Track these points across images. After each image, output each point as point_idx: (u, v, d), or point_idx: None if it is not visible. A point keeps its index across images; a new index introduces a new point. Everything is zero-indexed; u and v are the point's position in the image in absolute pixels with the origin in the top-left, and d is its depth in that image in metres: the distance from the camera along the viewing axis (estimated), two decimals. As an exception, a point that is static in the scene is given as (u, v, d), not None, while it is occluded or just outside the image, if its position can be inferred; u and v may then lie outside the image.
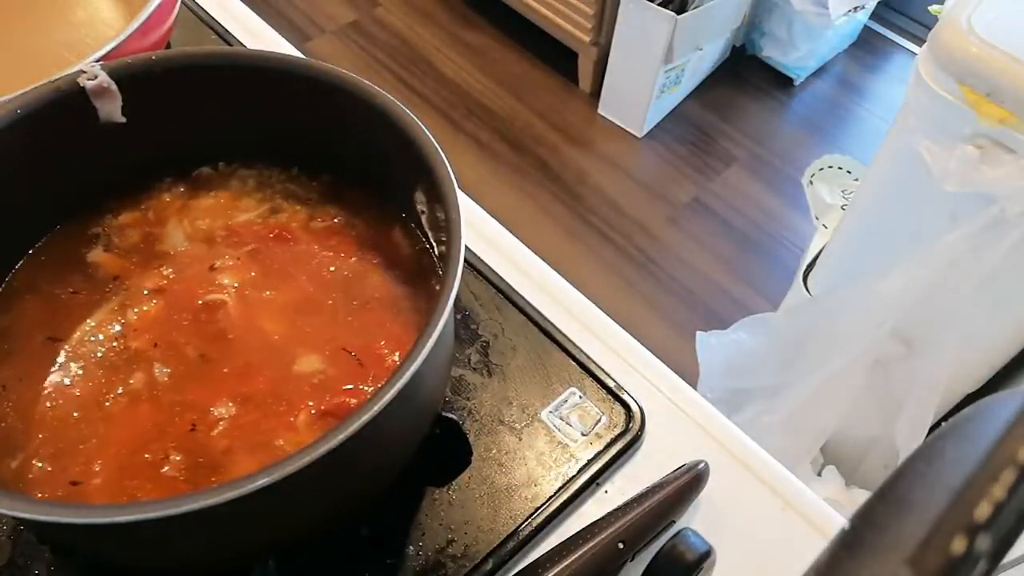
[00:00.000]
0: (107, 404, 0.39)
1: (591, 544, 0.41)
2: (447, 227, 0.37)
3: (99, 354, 0.41)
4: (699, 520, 0.46)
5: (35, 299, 0.42)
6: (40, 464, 0.37)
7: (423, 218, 0.44)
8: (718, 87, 1.94)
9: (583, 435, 0.48)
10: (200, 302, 0.43)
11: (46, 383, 0.40)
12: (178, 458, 0.37)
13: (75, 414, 0.39)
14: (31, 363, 0.40)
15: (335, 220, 0.46)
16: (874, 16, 2.02)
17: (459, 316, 0.52)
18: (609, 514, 0.43)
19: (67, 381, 0.40)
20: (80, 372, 0.40)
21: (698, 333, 1.20)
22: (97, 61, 0.42)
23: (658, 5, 1.58)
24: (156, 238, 0.45)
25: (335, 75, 0.43)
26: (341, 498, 0.38)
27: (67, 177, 0.44)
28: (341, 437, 0.30)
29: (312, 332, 0.42)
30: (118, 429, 0.38)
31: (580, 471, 0.47)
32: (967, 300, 0.88)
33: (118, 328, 0.42)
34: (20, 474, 0.37)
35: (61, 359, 0.40)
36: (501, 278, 0.54)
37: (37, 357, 0.40)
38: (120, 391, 0.39)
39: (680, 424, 0.50)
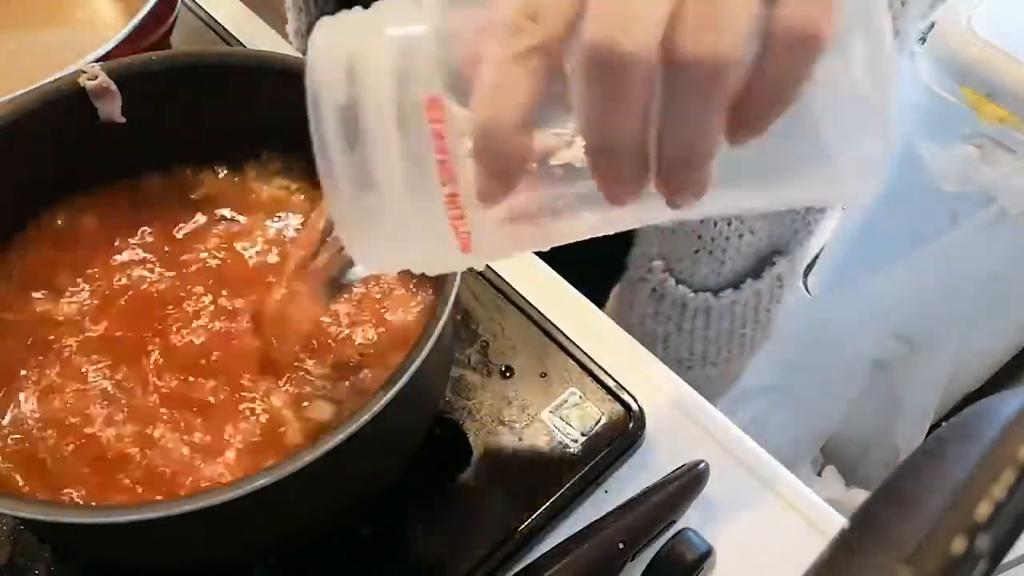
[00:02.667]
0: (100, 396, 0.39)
1: (591, 544, 0.41)
2: (447, 227, 0.37)
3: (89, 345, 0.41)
4: (699, 520, 0.46)
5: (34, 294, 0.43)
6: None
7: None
8: (718, 87, 1.94)
9: (583, 435, 0.48)
10: (197, 302, 0.43)
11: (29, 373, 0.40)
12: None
13: (62, 402, 0.39)
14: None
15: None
16: (874, 16, 2.03)
17: (459, 316, 0.52)
18: (609, 514, 0.43)
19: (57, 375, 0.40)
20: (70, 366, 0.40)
21: (698, 333, 1.19)
22: (97, 61, 0.42)
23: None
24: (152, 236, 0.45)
25: (335, 75, 0.43)
26: (341, 498, 0.38)
27: (66, 177, 0.45)
28: (341, 437, 0.30)
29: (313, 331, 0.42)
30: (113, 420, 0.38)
31: (580, 471, 0.46)
32: (967, 300, 0.88)
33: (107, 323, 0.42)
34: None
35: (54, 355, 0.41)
36: (501, 278, 0.54)
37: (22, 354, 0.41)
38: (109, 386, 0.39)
39: (680, 424, 0.50)
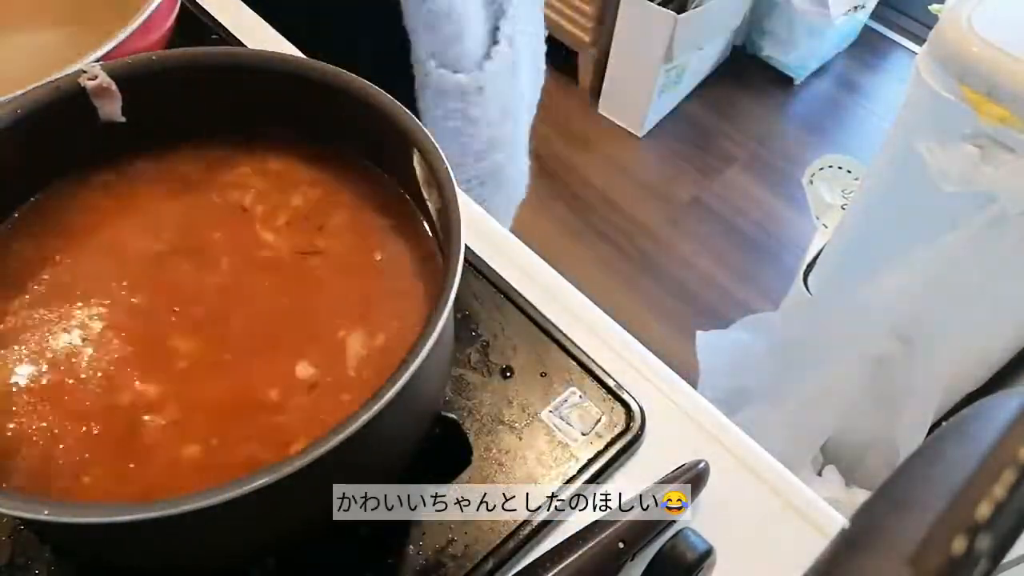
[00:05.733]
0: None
1: (591, 544, 0.41)
2: (447, 227, 0.37)
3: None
4: (699, 520, 0.46)
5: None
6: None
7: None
8: (718, 87, 1.94)
9: (583, 435, 0.48)
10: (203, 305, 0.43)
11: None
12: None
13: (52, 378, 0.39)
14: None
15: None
16: (874, 15, 2.03)
17: (459, 316, 0.52)
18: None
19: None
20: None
21: (698, 333, 1.20)
22: (97, 61, 0.42)
23: (658, 5, 1.58)
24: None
25: (336, 75, 0.43)
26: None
27: (66, 177, 0.45)
28: (341, 437, 0.30)
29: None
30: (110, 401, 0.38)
31: (580, 471, 0.46)
32: (967, 300, 0.88)
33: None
34: None
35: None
36: (501, 278, 0.54)
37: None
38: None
39: (680, 424, 0.50)
